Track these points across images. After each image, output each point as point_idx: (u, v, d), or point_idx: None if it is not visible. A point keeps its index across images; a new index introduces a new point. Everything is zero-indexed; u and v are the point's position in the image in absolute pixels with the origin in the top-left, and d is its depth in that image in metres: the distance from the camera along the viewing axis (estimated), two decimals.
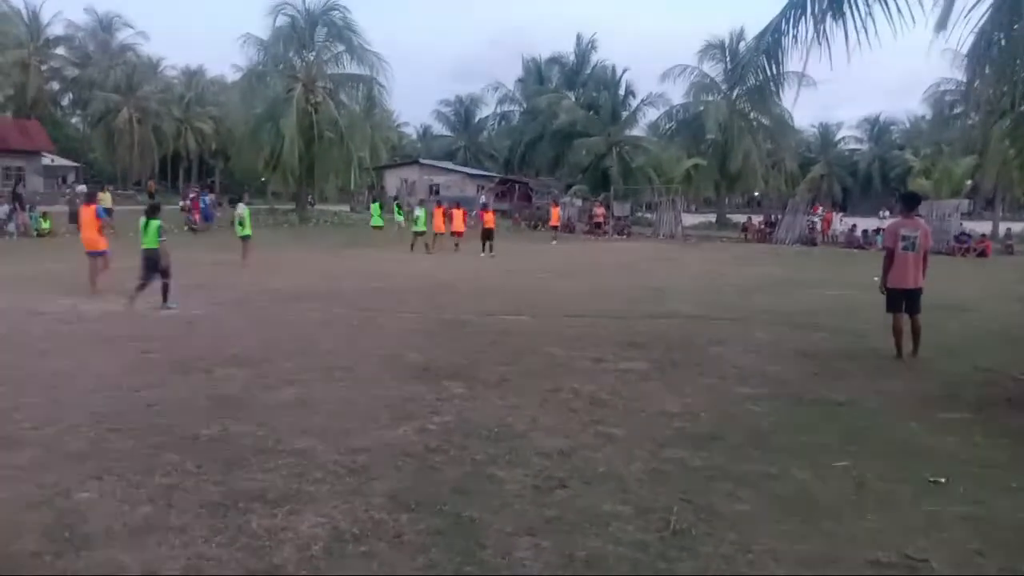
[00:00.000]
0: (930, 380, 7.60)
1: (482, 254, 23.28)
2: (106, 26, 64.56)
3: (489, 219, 24.95)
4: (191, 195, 39.65)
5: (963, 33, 7.97)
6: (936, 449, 5.41)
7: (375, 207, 31.92)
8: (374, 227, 30.11)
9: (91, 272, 13.35)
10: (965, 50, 8.89)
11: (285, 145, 33.30)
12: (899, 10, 7.28)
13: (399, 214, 30.63)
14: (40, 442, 5.24)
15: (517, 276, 17.87)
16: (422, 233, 24.52)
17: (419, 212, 25.65)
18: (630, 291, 15.08)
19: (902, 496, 4.55)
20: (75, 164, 60.60)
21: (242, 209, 20.35)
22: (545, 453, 5.15)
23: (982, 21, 8.25)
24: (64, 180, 58.51)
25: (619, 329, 10.38)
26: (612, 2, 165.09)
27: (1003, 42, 8.39)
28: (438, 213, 25.99)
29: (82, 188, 34.66)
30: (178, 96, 68.50)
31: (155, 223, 11.89)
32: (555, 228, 33.45)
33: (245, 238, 19.42)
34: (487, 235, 24.11)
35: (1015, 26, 7.81)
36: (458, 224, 25.45)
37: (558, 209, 34.99)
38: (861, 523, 4.15)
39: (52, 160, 53.75)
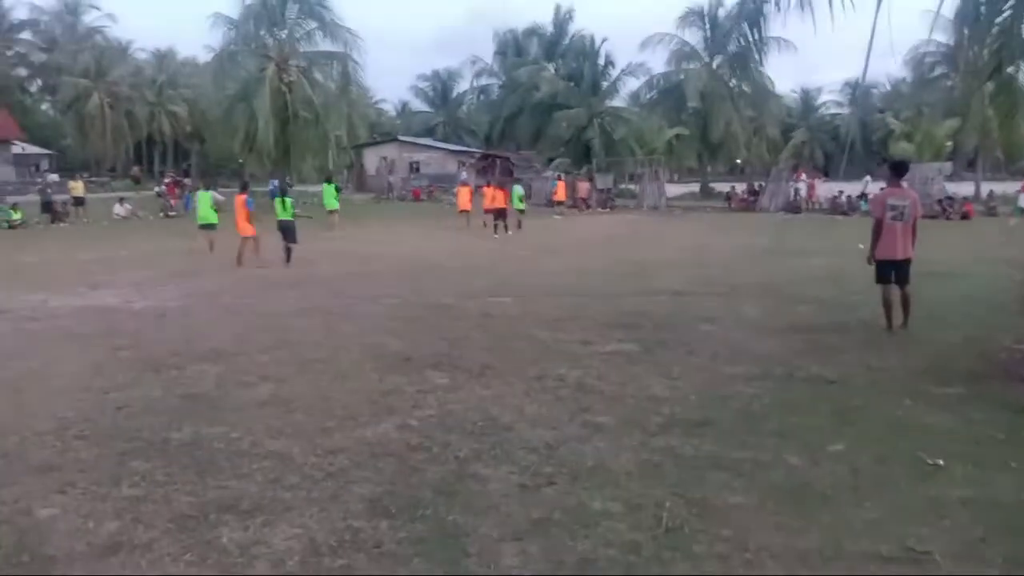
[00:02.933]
0: (921, 353, 7.47)
1: (496, 235, 22.38)
2: (72, 9, 63.12)
3: (500, 197, 23.67)
4: (166, 180, 39.11)
5: None
6: (932, 427, 5.27)
7: (328, 188, 25.33)
8: (329, 211, 24.21)
9: (241, 250, 15.20)
10: (949, 12, 8.70)
11: (259, 126, 32.65)
12: None
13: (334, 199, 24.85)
14: (1, 453, 4.99)
15: (499, 255, 17.64)
16: (520, 211, 24.65)
17: (518, 189, 25.79)
18: (615, 267, 14.89)
19: (900, 480, 4.40)
20: (47, 152, 59.63)
21: (208, 195, 18.39)
22: (531, 447, 4.96)
23: None
24: (37, 168, 57.53)
25: (605, 308, 10.19)
26: None
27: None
28: (464, 191, 26.11)
29: (53, 177, 34.01)
30: (150, 79, 67.12)
31: (290, 199, 16.06)
32: (560, 203, 32.74)
33: (209, 225, 17.64)
34: (500, 214, 23.13)
35: None
36: (499, 200, 23.58)
37: (563, 183, 34.29)
38: (859, 512, 4.00)
39: (23, 148, 52.75)
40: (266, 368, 7.11)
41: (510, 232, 23.08)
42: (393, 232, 23.08)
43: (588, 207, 36.50)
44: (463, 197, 26.08)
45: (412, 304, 10.65)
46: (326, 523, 3.91)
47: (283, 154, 35.61)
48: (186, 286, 12.62)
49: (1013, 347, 7.73)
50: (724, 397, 6.05)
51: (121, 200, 30.47)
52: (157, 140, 68.21)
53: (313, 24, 36.06)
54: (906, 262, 8.32)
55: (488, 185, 26.41)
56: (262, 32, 36.01)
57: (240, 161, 43.49)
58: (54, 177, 33.91)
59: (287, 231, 15.55)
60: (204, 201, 17.99)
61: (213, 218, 17.69)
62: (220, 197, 18.55)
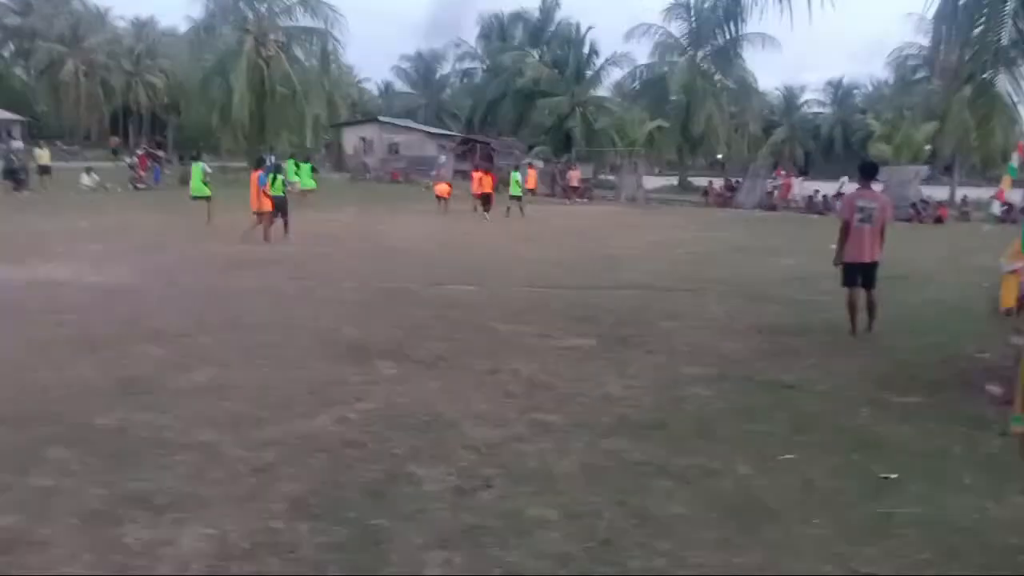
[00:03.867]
0: (884, 359, 7.34)
1: (487, 218, 23.15)
2: None
3: (487, 182, 24.45)
4: (138, 151, 38.32)
5: None
6: (888, 439, 5.12)
7: (305, 167, 24.78)
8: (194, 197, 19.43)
9: (251, 227, 15.22)
10: (930, 14, 8.55)
11: (235, 100, 32.05)
12: None
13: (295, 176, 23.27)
14: None
15: (472, 242, 17.39)
16: (518, 197, 24.62)
17: (516, 175, 25.71)
18: (586, 259, 14.70)
19: (851, 495, 4.24)
20: (19, 118, 58.20)
21: (198, 167, 18.78)
22: (473, 446, 4.74)
23: None
24: (9, 133, 56.22)
25: (570, 301, 10.00)
26: None
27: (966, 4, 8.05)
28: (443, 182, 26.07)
29: (17, 144, 33.15)
30: (127, 48, 65.76)
31: (281, 176, 16.13)
32: (531, 191, 31.42)
33: (203, 198, 18.02)
34: (486, 199, 23.95)
35: None
36: (485, 186, 24.49)
37: (535, 171, 33.42)
38: (806, 528, 3.82)
39: None
40: (210, 352, 6.84)
41: (488, 217, 23.37)
42: (367, 214, 22.67)
43: (581, 197, 35.81)
44: (441, 187, 26.13)
45: (374, 289, 10.39)
46: (242, 523, 3.67)
47: (258, 130, 34.99)
48: (144, 262, 12.26)
49: (975, 355, 7.64)
50: (679, 399, 5.87)
51: (88, 170, 29.73)
52: (134, 111, 66.97)
53: None
54: (873, 266, 8.19)
55: (476, 169, 26.64)
56: (241, 4, 35.28)
57: (218, 136, 42.81)
58: (18, 144, 33.02)
59: (281, 207, 15.90)
60: (196, 174, 18.15)
61: (205, 191, 17.97)
62: (209, 169, 18.84)
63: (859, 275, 8.20)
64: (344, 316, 8.48)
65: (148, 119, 68.89)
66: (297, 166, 25.03)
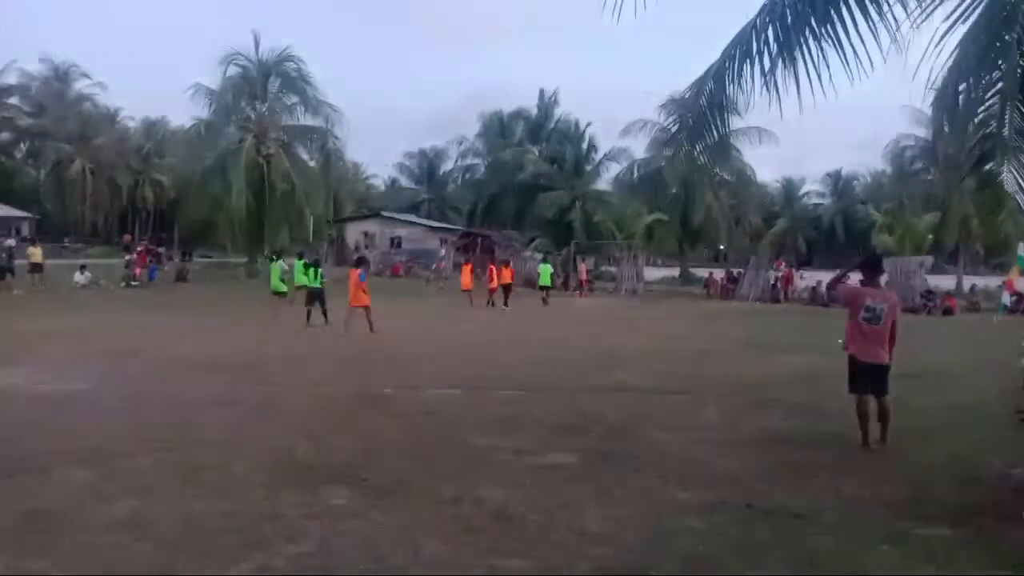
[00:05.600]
0: (901, 478, 6.53)
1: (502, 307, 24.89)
2: (62, 76, 63.34)
3: (507, 275, 26.12)
4: (138, 248, 38.25)
5: (930, 77, 7.10)
6: None
7: (298, 264, 20.97)
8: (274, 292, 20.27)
9: (347, 319, 16.51)
10: (928, 107, 8.12)
11: (233, 196, 32.06)
12: (856, 54, 6.40)
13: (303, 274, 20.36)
14: None
15: (465, 338, 16.76)
16: (546, 288, 27.89)
17: (543, 267, 28.77)
18: (581, 356, 13.99)
19: None
20: (26, 215, 58.80)
21: (277, 265, 20.25)
22: None
23: (945, 71, 7.47)
24: (18, 231, 56.65)
25: (556, 406, 9.24)
26: (582, 57, 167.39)
27: (968, 94, 7.59)
28: (465, 271, 27.81)
29: (10, 242, 33.09)
30: (136, 147, 67.10)
31: (321, 270, 18.84)
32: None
33: (280, 294, 19.72)
34: (507, 289, 25.79)
35: (983, 77, 6.98)
36: (505, 278, 26.00)
37: (511, 270, 32.09)
38: None
39: None
40: (142, 477, 6.08)
41: (502, 307, 25.04)
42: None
43: (592, 291, 35.37)
44: (464, 277, 27.84)
45: (344, 396, 9.65)
46: None
47: (257, 227, 34.93)
48: (111, 367, 11.59)
49: (1005, 472, 6.81)
50: (668, 535, 5.06)
51: (82, 268, 29.48)
52: (140, 207, 67.74)
53: (295, 98, 35.97)
54: (882, 370, 7.46)
55: (492, 263, 28.15)
56: (243, 104, 35.82)
57: (218, 233, 42.82)
58: (11, 242, 32.94)
59: (319, 298, 18.14)
60: (275, 272, 19.93)
61: (282, 287, 19.76)
62: (287, 267, 20.46)
63: (868, 381, 7.46)
64: (303, 430, 7.72)
65: (154, 215, 69.69)
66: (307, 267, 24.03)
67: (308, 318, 17.82)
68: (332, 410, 8.79)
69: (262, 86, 35.44)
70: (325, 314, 17.84)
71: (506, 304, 25.07)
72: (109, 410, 8.61)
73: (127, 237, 47.08)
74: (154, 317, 19.21)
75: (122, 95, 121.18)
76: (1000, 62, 6.28)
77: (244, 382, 10.43)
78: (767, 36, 6.61)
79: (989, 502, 5.92)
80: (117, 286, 29.20)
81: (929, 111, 9.35)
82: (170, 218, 71.25)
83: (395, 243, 53.23)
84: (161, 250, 42.22)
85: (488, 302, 25.60)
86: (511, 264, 28.59)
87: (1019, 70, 6.42)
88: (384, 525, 5.09)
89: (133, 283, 29.59)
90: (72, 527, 4.98)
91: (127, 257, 35.19)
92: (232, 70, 35.08)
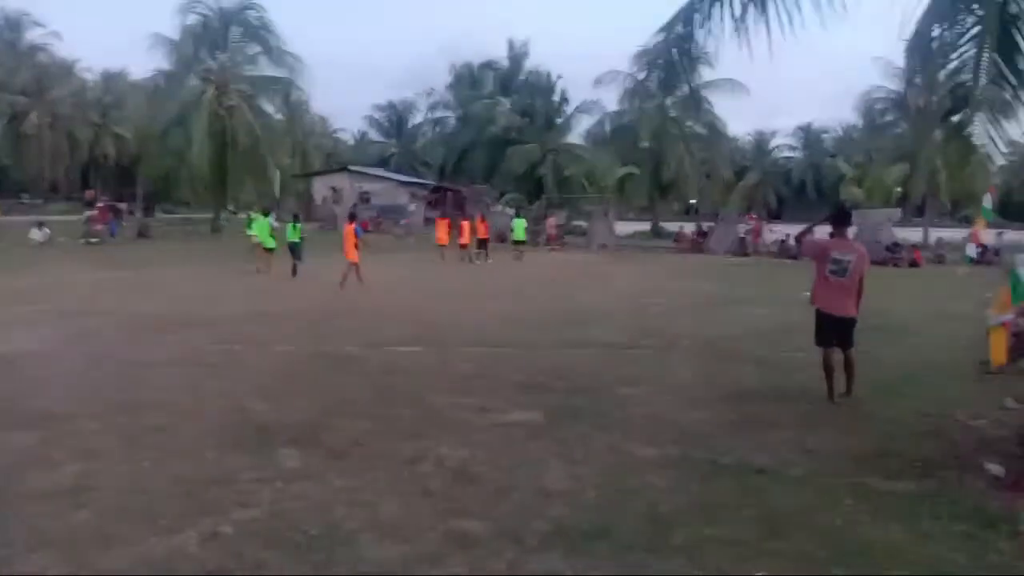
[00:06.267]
0: (866, 430, 6.49)
1: (480, 261, 25.62)
2: (13, 25, 60.78)
3: (482, 229, 26.86)
4: (99, 204, 37.22)
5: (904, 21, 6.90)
6: (877, 545, 4.24)
7: (261, 222, 21.36)
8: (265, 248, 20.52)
9: (343, 275, 16.72)
10: (898, 59, 7.94)
11: (194, 150, 31.18)
12: None
13: (257, 228, 21.41)
14: None
15: (429, 295, 16.54)
16: (522, 242, 28.32)
17: (516, 222, 29.13)
18: (549, 313, 13.84)
19: None
20: None
21: (266, 221, 20.72)
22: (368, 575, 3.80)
23: (918, 21, 7.26)
24: None
25: (521, 364, 9.09)
26: (552, 7, 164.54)
27: (940, 42, 7.40)
28: (441, 225, 27.78)
29: None
30: (95, 100, 64.93)
31: (300, 225, 19.94)
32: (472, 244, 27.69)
33: (268, 249, 20.04)
34: (483, 244, 26.51)
35: (957, 22, 6.78)
36: (465, 236, 26.37)
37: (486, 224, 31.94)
38: None
39: None
40: (89, 440, 5.85)
41: (482, 260, 25.82)
42: (327, 266, 21.74)
43: (563, 246, 35.20)
44: (440, 231, 27.73)
45: (305, 354, 9.43)
46: None
47: (220, 181, 34.09)
48: (64, 326, 11.23)
49: (967, 423, 6.82)
50: (629, 492, 4.96)
51: (40, 224, 28.63)
52: (102, 162, 65.82)
53: (257, 48, 34.86)
54: (848, 322, 7.40)
55: (465, 218, 28.46)
56: (203, 54, 34.66)
57: (181, 188, 41.75)
58: None
59: (295, 250, 19.13)
60: (264, 227, 20.33)
61: (271, 243, 20.10)
62: (276, 223, 21.02)
63: (833, 333, 7.40)
64: (259, 390, 7.50)
65: (116, 171, 67.80)
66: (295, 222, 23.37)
67: (293, 271, 18.77)
68: (291, 369, 8.57)
69: (223, 35, 34.26)
70: (295, 268, 18.66)
71: (488, 257, 25.92)
72: (58, 372, 8.32)
73: (89, 193, 45.83)
74: (112, 275, 18.72)
75: (78, 45, 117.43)
76: (975, 5, 6.08)
77: (202, 341, 10.15)
78: None
79: (953, 455, 5.90)
80: (76, 243, 28.45)
81: (901, 62, 9.20)
82: (133, 173, 69.49)
83: (364, 198, 52.40)
84: (122, 206, 41.17)
85: (463, 258, 25.66)
86: (485, 219, 28.65)
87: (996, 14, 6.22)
88: (338, 489, 4.93)
89: (92, 240, 28.83)
90: (14, 495, 4.76)
91: (87, 213, 34.28)
92: (192, 18, 33.95)
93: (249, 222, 24.47)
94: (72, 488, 4.87)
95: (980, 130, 8.62)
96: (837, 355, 7.46)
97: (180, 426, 6.22)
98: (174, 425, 6.24)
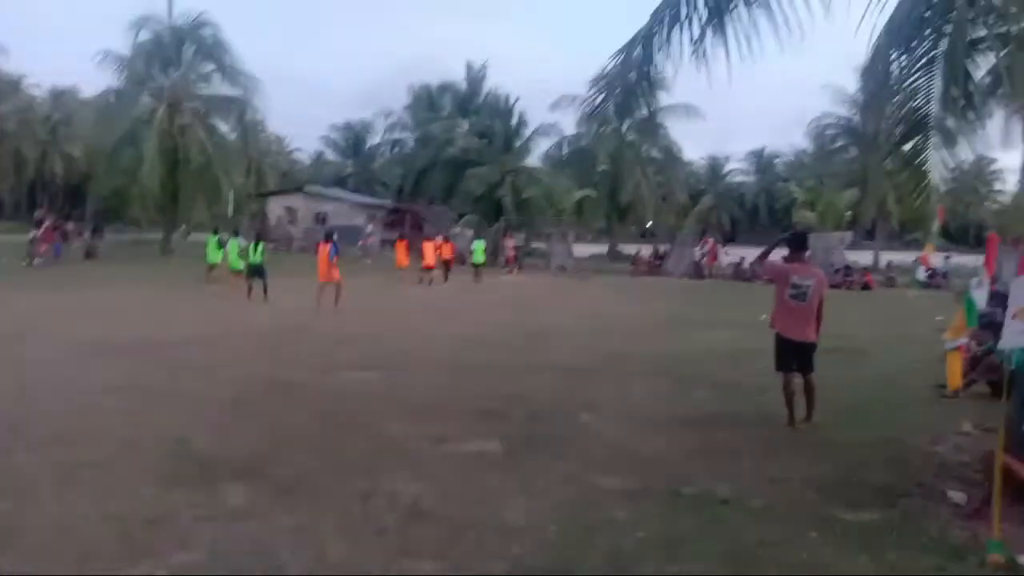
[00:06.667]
0: (827, 459, 6.42)
1: (439, 284, 25.46)
2: None
3: (447, 250, 27.62)
4: (45, 225, 36.05)
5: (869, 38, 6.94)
6: None
7: (212, 240, 23.18)
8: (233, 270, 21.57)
9: (318, 295, 16.73)
10: (849, 87, 7.98)
11: (145, 169, 30.44)
12: (787, 22, 6.16)
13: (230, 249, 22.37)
14: None
15: (387, 318, 16.26)
16: (479, 265, 28.40)
17: (476, 244, 29.34)
18: (507, 336, 13.67)
19: None
20: None
21: (234, 242, 21.36)
22: None
23: (873, 47, 7.33)
24: None
25: (480, 389, 8.90)
26: (511, 32, 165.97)
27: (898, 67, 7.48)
28: (400, 247, 28.39)
29: None
30: (43, 117, 63.39)
31: (262, 245, 19.01)
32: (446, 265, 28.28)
33: (237, 271, 20.32)
34: (447, 265, 27.23)
35: (912, 48, 6.84)
36: (429, 258, 26.20)
37: (450, 245, 31.52)
38: None
39: None
40: (18, 476, 5.49)
41: (439, 282, 25.69)
42: (280, 288, 21.31)
43: (520, 268, 34.88)
44: (399, 254, 28.65)
45: (255, 380, 9.08)
46: None
47: (171, 200, 33.34)
48: (2, 352, 10.70)
49: (928, 450, 6.81)
50: (591, 528, 4.78)
51: None
52: (49, 181, 64.14)
53: (211, 66, 34.32)
54: (807, 347, 7.37)
55: (427, 239, 28.22)
56: (155, 72, 33.99)
57: (131, 208, 40.78)
58: None
59: (260, 272, 18.56)
60: (232, 248, 20.79)
61: (239, 264, 20.36)
62: (244, 243, 20.75)
63: (793, 358, 7.36)
64: (204, 419, 7.16)
65: (65, 190, 66.08)
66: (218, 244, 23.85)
67: (249, 293, 18.33)
68: (239, 397, 8.22)
69: (176, 53, 33.64)
70: (265, 290, 18.30)
71: (446, 279, 26.19)
72: None
73: (39, 212, 44.34)
74: (54, 297, 18.05)
75: (26, 61, 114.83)
76: (934, 33, 6.13)
77: (146, 367, 9.74)
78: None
79: (914, 482, 5.85)
80: (19, 265, 27.44)
81: (852, 89, 9.29)
82: (82, 193, 67.84)
83: (320, 219, 51.79)
84: (69, 226, 39.95)
85: (422, 280, 25.32)
86: (449, 239, 29.33)
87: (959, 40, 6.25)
88: (285, 527, 4.66)
89: (36, 261, 27.82)
90: None
91: (32, 234, 33.16)
92: (144, 35, 33.24)
93: (219, 245, 23.25)
94: None
95: (934, 156, 8.72)
96: (797, 379, 7.42)
97: (118, 459, 5.88)
98: (111, 458, 5.89)
